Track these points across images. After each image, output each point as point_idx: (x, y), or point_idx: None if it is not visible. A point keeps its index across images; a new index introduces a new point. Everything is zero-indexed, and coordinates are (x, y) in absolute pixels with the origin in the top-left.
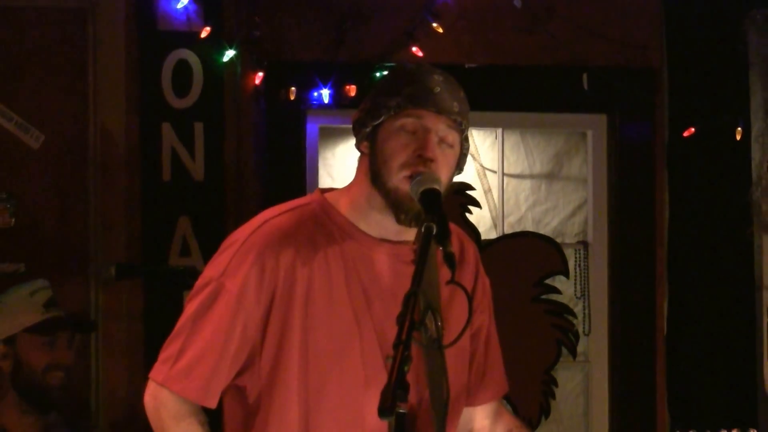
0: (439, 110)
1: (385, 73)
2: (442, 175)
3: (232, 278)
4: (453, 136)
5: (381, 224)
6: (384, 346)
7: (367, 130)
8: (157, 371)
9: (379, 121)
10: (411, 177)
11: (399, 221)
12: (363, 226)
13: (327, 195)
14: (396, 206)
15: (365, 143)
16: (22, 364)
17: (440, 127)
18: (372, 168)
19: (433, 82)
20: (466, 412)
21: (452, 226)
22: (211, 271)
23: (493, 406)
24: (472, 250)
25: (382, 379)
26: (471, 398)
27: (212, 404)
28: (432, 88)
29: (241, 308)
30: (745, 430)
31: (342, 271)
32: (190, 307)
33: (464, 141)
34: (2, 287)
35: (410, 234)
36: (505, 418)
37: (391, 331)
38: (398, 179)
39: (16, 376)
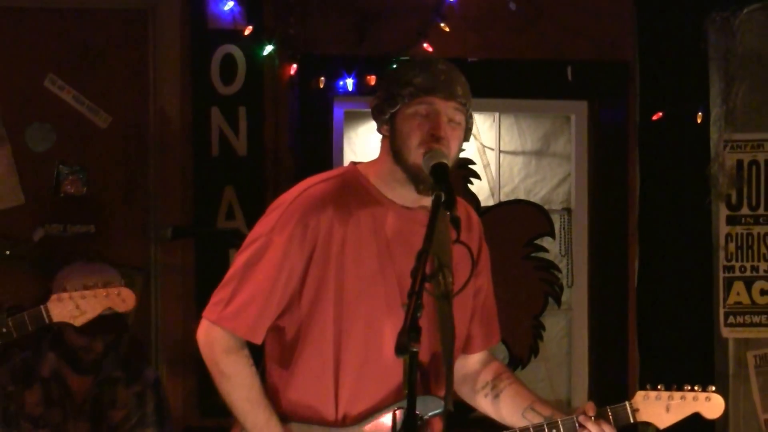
0: (446, 95)
1: (396, 66)
2: (452, 148)
3: (279, 234)
4: (459, 116)
5: (402, 194)
6: (403, 293)
7: (386, 116)
8: (210, 311)
9: (396, 108)
10: (426, 153)
11: (418, 191)
12: (389, 195)
13: (359, 166)
14: (415, 179)
15: (385, 127)
16: (62, 334)
17: (448, 110)
18: (393, 148)
19: (438, 72)
20: (462, 359)
21: (461, 201)
22: (261, 228)
23: (484, 355)
24: (477, 222)
25: (400, 320)
26: (469, 346)
27: (258, 340)
28: (438, 76)
29: (287, 260)
30: (704, 387)
31: (371, 231)
32: (242, 258)
33: (469, 117)
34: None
35: (426, 201)
36: (493, 364)
37: (410, 282)
38: (416, 155)
39: (56, 340)
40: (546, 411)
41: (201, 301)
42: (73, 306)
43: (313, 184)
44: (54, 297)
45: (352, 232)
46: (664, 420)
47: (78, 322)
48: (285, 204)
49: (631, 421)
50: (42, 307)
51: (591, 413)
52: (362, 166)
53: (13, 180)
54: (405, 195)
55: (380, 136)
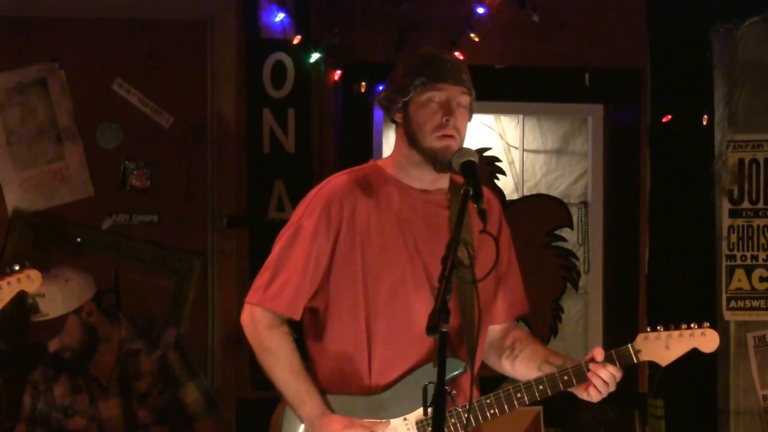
0: (455, 81)
1: (402, 61)
2: (461, 129)
3: (307, 221)
4: (466, 99)
5: (419, 176)
6: (426, 268)
7: (399, 105)
8: (252, 295)
9: (409, 97)
10: (442, 137)
11: (436, 170)
12: (406, 181)
13: (377, 162)
14: (432, 160)
15: (399, 115)
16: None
17: (458, 95)
18: (407, 133)
19: (445, 62)
20: (489, 330)
21: (483, 188)
22: (293, 217)
23: (508, 323)
24: (495, 204)
25: (426, 293)
26: (493, 316)
27: (297, 316)
28: (445, 65)
29: (315, 242)
30: (701, 323)
31: (391, 213)
32: (277, 246)
33: (472, 100)
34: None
35: (443, 182)
36: (515, 331)
37: (434, 263)
38: (432, 139)
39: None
40: (558, 361)
41: None
42: None
43: (336, 177)
44: None
45: (374, 215)
46: (665, 357)
47: None
48: (311, 195)
49: (635, 361)
50: None
51: (599, 358)
52: (380, 161)
53: (84, 174)
54: (422, 177)
55: (395, 127)
